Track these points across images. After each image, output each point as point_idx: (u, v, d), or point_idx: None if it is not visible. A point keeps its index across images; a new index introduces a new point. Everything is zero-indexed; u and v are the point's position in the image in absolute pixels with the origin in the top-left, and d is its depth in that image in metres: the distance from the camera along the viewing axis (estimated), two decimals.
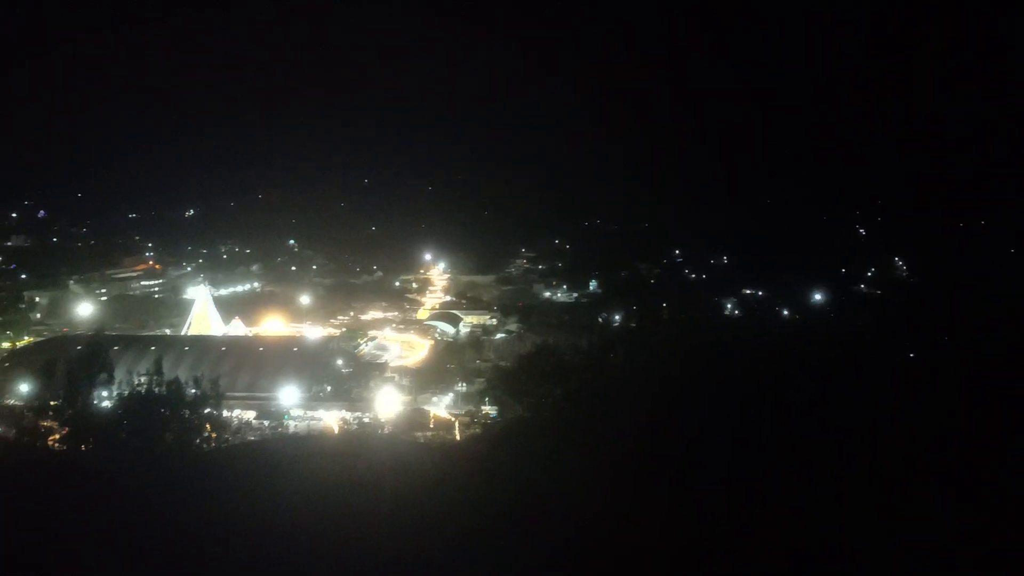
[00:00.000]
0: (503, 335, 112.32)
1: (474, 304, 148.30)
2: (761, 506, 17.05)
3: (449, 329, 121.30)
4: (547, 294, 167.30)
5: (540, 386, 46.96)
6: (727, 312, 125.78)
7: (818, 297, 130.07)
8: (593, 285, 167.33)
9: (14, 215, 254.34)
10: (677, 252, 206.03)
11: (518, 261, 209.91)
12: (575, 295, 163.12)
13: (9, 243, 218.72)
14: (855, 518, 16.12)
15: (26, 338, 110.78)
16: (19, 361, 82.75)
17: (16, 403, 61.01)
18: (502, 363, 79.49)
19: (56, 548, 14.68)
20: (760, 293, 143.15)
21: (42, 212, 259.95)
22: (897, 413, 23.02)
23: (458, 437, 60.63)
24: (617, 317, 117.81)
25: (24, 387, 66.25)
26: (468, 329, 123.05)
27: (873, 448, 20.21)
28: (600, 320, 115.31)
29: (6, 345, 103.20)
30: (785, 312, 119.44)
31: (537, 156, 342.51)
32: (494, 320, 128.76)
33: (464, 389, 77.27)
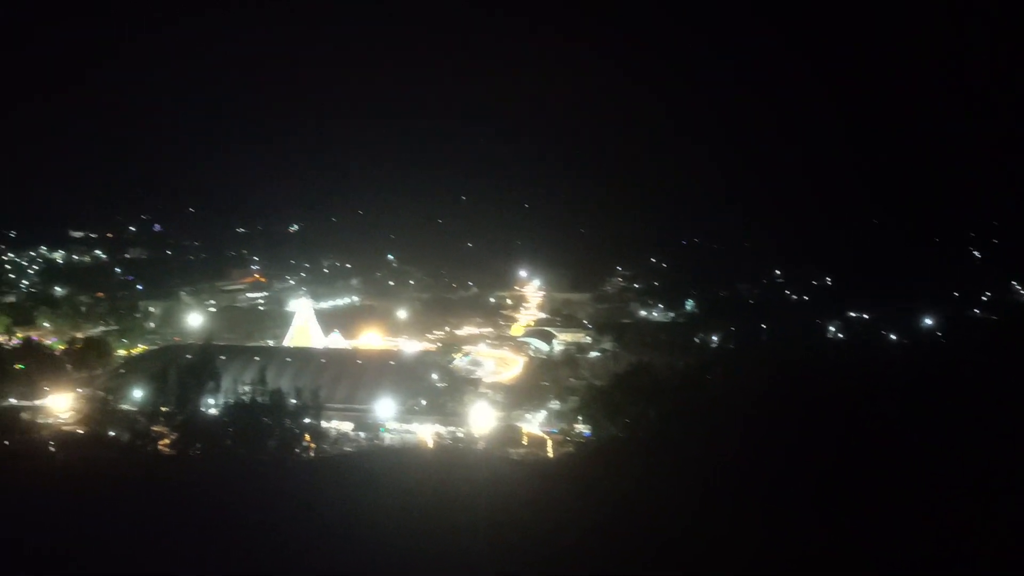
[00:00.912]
0: (598, 353, 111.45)
1: (569, 321, 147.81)
2: (860, 539, 16.30)
3: (543, 346, 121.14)
4: (643, 313, 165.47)
5: (635, 406, 46.36)
6: (830, 335, 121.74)
7: (928, 322, 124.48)
8: (690, 304, 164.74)
9: (132, 228, 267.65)
10: (778, 272, 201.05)
11: (614, 279, 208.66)
12: (671, 314, 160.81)
13: (127, 255, 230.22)
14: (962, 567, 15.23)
15: (140, 346, 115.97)
16: (133, 368, 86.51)
17: (130, 408, 63.89)
18: (596, 382, 78.79)
19: (164, 551, 15.13)
20: (866, 316, 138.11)
21: (157, 226, 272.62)
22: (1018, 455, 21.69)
23: (551, 455, 60.26)
24: (715, 338, 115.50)
25: (137, 393, 69.39)
26: (562, 346, 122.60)
27: (987, 492, 19.05)
28: (697, 340, 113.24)
29: (122, 352, 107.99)
30: (892, 336, 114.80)
31: (635, 173, 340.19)
32: (589, 338, 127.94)
33: (557, 407, 76.86)
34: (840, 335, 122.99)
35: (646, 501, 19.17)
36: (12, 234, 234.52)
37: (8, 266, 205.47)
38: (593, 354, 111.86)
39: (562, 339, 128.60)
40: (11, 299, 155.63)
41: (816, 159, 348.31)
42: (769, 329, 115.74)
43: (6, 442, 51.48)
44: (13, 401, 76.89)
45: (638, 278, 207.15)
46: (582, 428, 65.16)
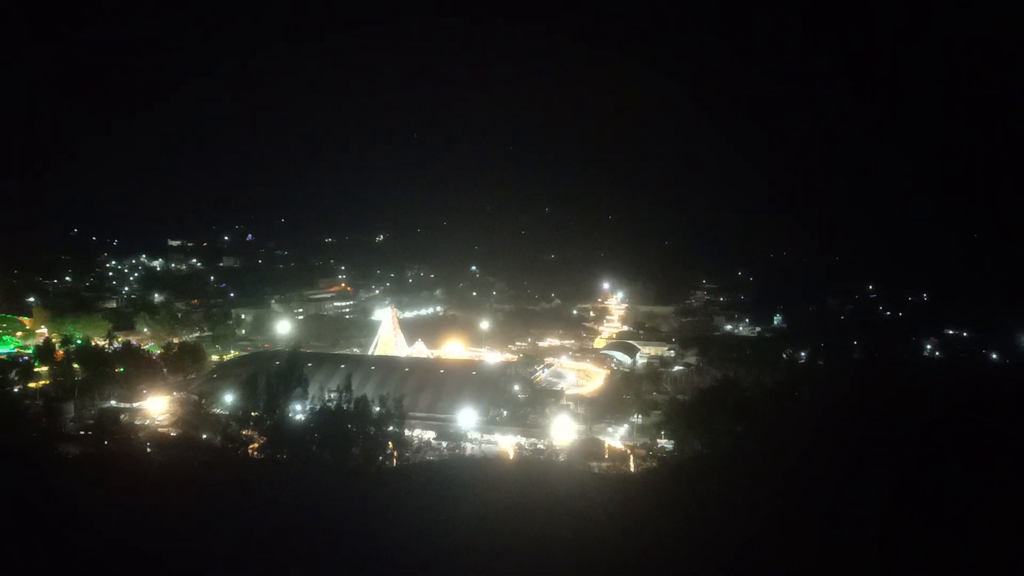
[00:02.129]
0: (681, 367, 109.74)
1: (652, 335, 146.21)
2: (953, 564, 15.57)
3: (626, 359, 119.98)
4: (728, 327, 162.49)
5: (720, 421, 45.42)
6: (926, 353, 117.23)
7: None
8: (778, 319, 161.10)
9: (226, 238, 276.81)
10: (871, 287, 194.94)
11: (699, 293, 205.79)
12: (758, 329, 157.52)
13: (221, 264, 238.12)
14: None
15: (232, 351, 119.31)
16: (225, 373, 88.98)
17: (221, 412, 65.77)
18: (680, 396, 77.56)
19: (250, 551, 15.42)
20: (964, 334, 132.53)
21: (250, 236, 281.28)
22: None
23: (632, 469, 59.49)
24: (803, 353, 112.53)
25: (229, 397, 71.41)
26: (645, 360, 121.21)
27: None
28: (785, 356, 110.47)
29: (215, 357, 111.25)
30: (994, 356, 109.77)
31: (721, 187, 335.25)
32: (672, 352, 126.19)
33: (640, 421, 75.87)
34: (937, 353, 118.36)
35: (730, 518, 18.69)
36: (114, 242, 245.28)
37: (111, 273, 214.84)
38: (677, 368, 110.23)
39: (645, 352, 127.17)
40: (113, 304, 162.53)
41: (915, 171, 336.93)
42: (861, 346, 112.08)
43: (106, 442, 53.74)
44: (114, 403, 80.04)
45: (724, 292, 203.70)
46: (665, 443, 64.19)
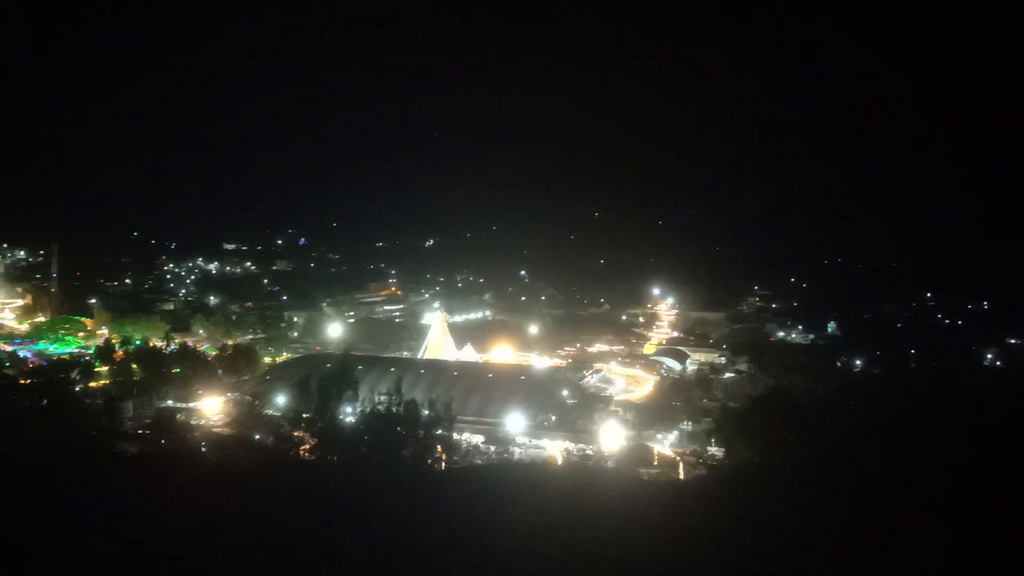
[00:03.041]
0: (732, 375, 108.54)
1: (702, 341, 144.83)
2: None
3: (676, 365, 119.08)
4: (781, 334, 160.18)
5: (772, 430, 44.73)
6: (987, 363, 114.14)
7: None
8: (832, 327, 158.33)
9: (279, 242, 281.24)
10: (928, 295, 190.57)
11: (750, 299, 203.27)
12: (811, 336, 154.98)
13: (275, 267, 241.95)
14: None
15: (285, 354, 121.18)
16: (278, 375, 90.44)
17: (274, 413, 66.84)
18: (731, 403, 76.74)
19: (300, 553, 15.63)
20: None
21: (303, 240, 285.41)
22: None
23: (682, 476, 58.99)
24: (858, 362, 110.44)
25: (281, 399, 72.55)
26: (695, 366, 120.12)
27: None
28: (839, 364, 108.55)
29: (268, 359, 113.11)
30: None
31: (775, 192, 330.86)
32: (723, 359, 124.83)
33: (690, 428, 75.25)
34: (998, 363, 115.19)
35: (782, 529, 18.43)
36: (172, 246, 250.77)
37: (168, 275, 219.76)
38: (728, 375, 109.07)
39: (695, 359, 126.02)
40: (170, 306, 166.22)
41: (976, 175, 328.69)
42: (919, 354, 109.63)
43: (163, 441, 54.96)
44: (170, 403, 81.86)
45: (776, 298, 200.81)
46: (715, 451, 63.56)
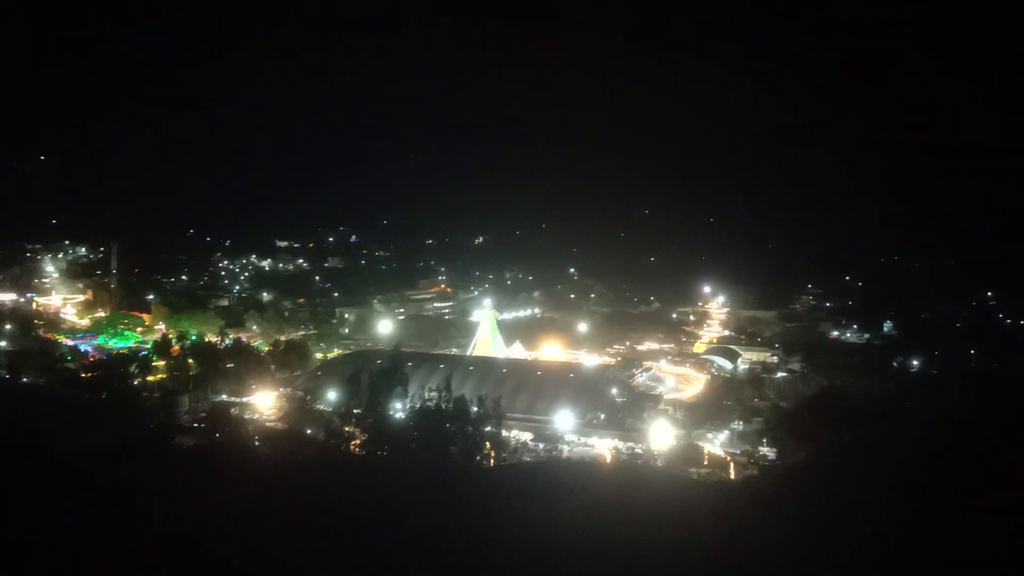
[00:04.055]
0: (784, 374, 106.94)
1: (754, 340, 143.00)
2: None
3: (727, 364, 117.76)
4: (835, 334, 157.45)
5: (826, 431, 44.01)
6: None
7: None
8: (888, 326, 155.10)
9: (331, 239, 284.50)
10: (989, 293, 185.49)
11: (803, 298, 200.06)
12: (866, 336, 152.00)
13: (326, 264, 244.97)
14: None
15: (336, 350, 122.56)
16: (329, 370, 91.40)
17: (325, 408, 67.61)
18: (783, 403, 75.67)
19: (351, 544, 15.78)
20: None
21: (354, 237, 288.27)
22: None
23: (733, 477, 58.30)
24: (915, 362, 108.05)
25: (332, 394, 73.37)
26: (747, 365, 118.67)
27: None
28: (896, 365, 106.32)
29: (319, 355, 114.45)
30: None
31: (830, 189, 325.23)
32: (775, 358, 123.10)
33: (740, 428, 74.34)
34: None
35: (834, 532, 18.11)
36: (227, 243, 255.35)
37: (223, 272, 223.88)
38: (780, 374, 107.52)
39: (747, 358, 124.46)
40: (225, 302, 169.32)
41: None
42: (978, 355, 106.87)
43: (218, 435, 56.01)
44: (225, 397, 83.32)
45: (830, 297, 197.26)
46: (767, 451, 62.73)
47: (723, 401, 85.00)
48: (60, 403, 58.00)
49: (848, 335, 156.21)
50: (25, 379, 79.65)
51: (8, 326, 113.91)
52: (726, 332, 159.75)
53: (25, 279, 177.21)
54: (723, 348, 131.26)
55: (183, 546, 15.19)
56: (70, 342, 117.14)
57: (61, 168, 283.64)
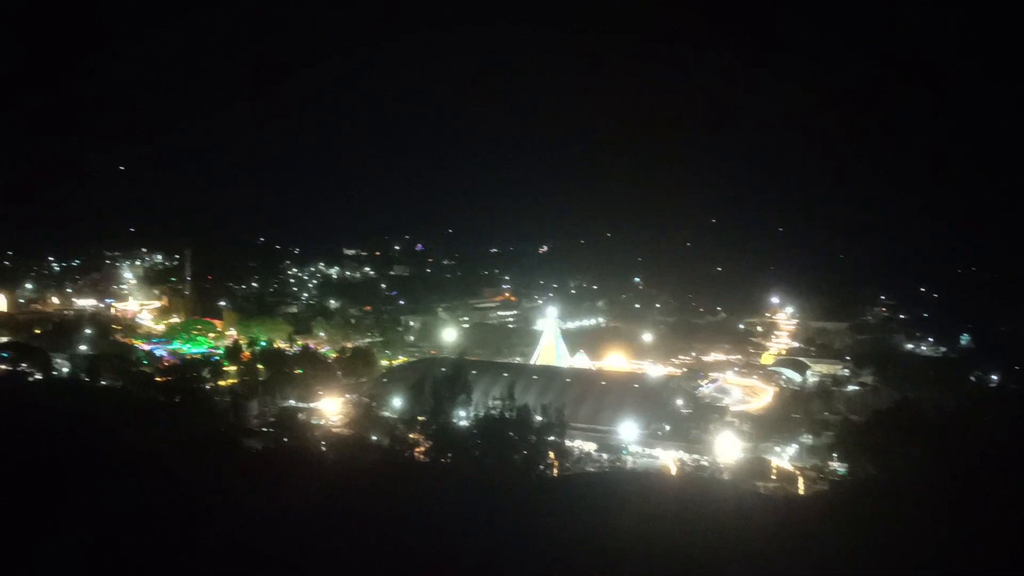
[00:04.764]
0: (856, 387, 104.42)
1: (824, 352, 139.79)
2: None
3: (795, 376, 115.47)
4: (909, 346, 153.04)
5: (899, 446, 42.82)
6: None
7: None
8: (965, 339, 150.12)
9: (397, 248, 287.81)
10: None
11: (876, 309, 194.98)
12: (943, 349, 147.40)
13: (392, 272, 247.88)
14: None
15: (401, 357, 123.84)
16: (394, 378, 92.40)
17: (390, 415, 68.32)
18: (854, 417, 73.99)
19: (412, 550, 15.86)
20: None
21: (419, 245, 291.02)
22: None
23: (802, 492, 57.04)
24: (994, 377, 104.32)
25: (397, 401, 74.11)
26: (816, 378, 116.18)
27: None
28: (973, 379, 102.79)
29: (385, 362, 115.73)
30: None
31: (903, 194, 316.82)
32: (846, 370, 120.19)
33: (810, 441, 72.78)
34: None
35: (907, 550, 17.57)
36: (296, 251, 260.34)
37: (292, 279, 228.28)
38: (851, 388, 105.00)
39: (816, 370, 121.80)
40: (293, 309, 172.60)
41: None
42: None
43: (286, 439, 57.03)
44: (292, 402, 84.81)
45: (904, 308, 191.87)
46: (837, 466, 61.31)
47: (792, 414, 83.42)
48: (136, 405, 59.80)
49: (923, 348, 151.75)
50: (103, 382, 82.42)
51: (88, 331, 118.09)
52: (795, 344, 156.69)
53: (104, 285, 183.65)
54: (792, 360, 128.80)
55: (249, 547, 15.47)
56: (146, 347, 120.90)
57: (140, 177, 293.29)
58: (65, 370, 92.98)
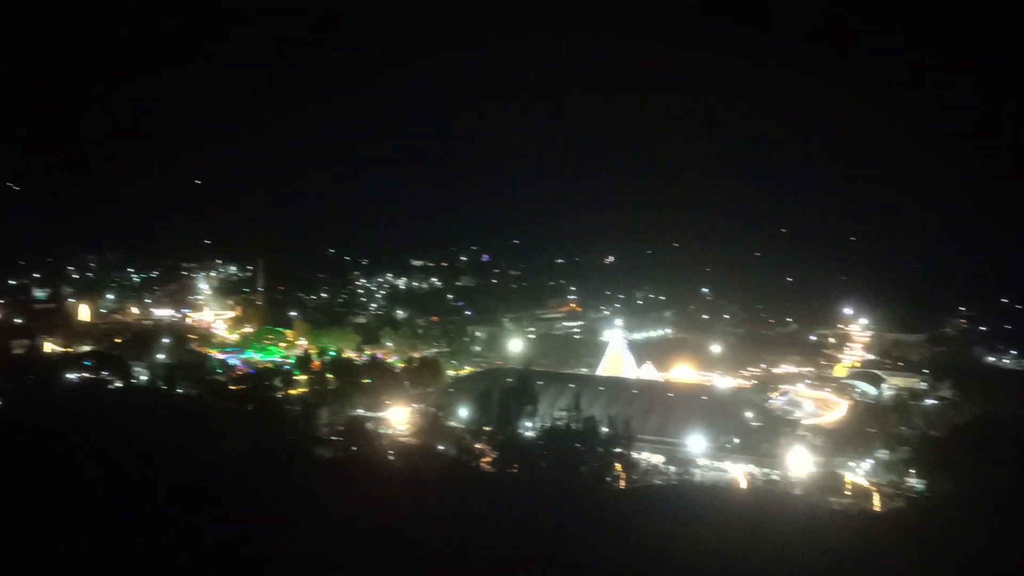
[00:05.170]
0: (934, 401, 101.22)
1: (900, 364, 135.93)
2: None
3: (870, 389, 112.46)
4: (990, 359, 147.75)
5: (980, 462, 41.39)
6: None
7: None
8: None
9: (463, 258, 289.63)
10: None
11: (955, 320, 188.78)
12: None
13: (458, 283, 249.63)
14: None
15: (467, 367, 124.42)
16: (460, 388, 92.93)
17: (456, 425, 68.71)
18: (932, 432, 71.77)
19: (481, 557, 15.91)
20: None
21: (485, 256, 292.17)
22: None
23: (877, 508, 55.47)
24: None
25: (463, 411, 74.51)
26: (892, 391, 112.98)
27: None
28: None
29: (451, 372, 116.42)
30: None
31: (987, 199, 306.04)
32: (923, 384, 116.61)
33: (886, 457, 70.74)
34: None
35: (989, 571, 16.99)
36: (364, 262, 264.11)
37: (360, 290, 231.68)
38: (929, 402, 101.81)
39: (892, 383, 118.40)
40: (362, 320, 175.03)
41: None
42: None
43: (354, 448, 57.81)
44: (361, 412, 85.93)
45: (985, 319, 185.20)
46: (915, 482, 59.52)
47: (866, 428, 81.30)
48: (210, 414, 61.35)
49: (1005, 361, 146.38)
50: (180, 390, 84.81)
51: (165, 340, 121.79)
52: (869, 356, 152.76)
53: (180, 296, 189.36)
54: (866, 372, 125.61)
55: (319, 550, 15.72)
56: (220, 356, 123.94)
57: (214, 190, 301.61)
58: (143, 378, 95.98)
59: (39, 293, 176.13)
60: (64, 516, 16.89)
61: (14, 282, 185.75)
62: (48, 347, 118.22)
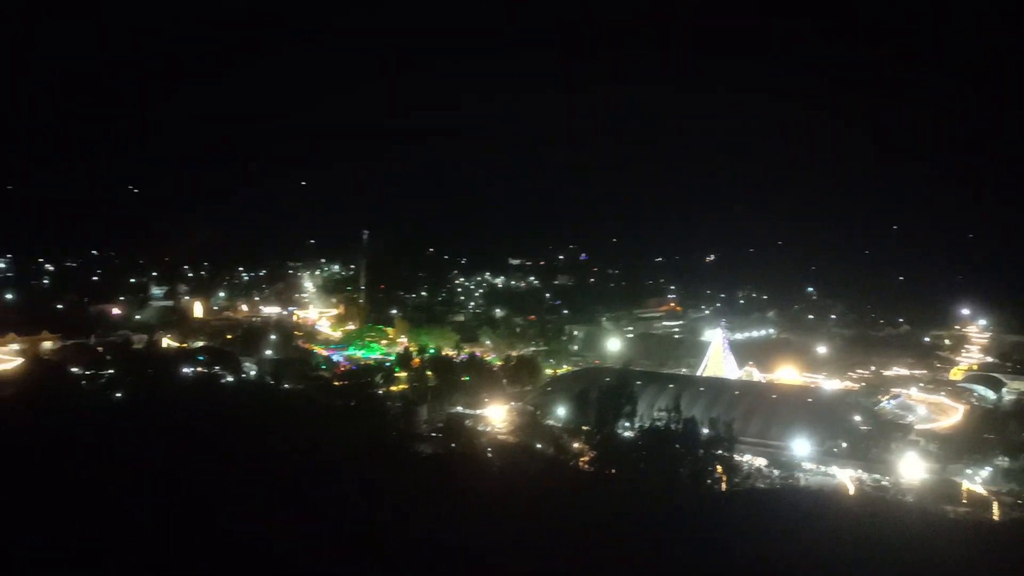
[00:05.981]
0: None
1: (1022, 368, 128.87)
2: None
3: (989, 394, 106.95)
4: None
5: None
6: None
7: None
8: None
9: (561, 257, 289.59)
10: None
11: None
12: None
13: (556, 282, 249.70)
14: None
15: (565, 366, 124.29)
16: (558, 387, 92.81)
17: (554, 424, 68.63)
18: None
19: (577, 555, 15.72)
20: None
21: (583, 255, 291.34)
22: None
23: (997, 518, 52.67)
24: None
25: (561, 410, 74.39)
26: (1013, 396, 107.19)
27: None
28: None
29: (549, 371, 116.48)
30: None
31: None
32: None
33: (1006, 464, 67.12)
34: None
35: None
36: (463, 261, 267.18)
37: (459, 289, 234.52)
38: None
39: (1013, 387, 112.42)
40: (460, 318, 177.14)
41: None
42: None
43: (453, 445, 58.48)
44: (459, 409, 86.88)
45: None
46: None
47: (985, 434, 77.30)
48: (316, 408, 63.07)
49: None
50: (286, 385, 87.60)
51: (273, 337, 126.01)
52: (988, 359, 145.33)
53: (287, 294, 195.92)
54: (985, 376, 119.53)
55: (421, 546, 15.84)
56: (324, 352, 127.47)
57: (319, 192, 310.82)
58: (253, 373, 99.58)
59: (156, 291, 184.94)
60: (178, 506, 17.53)
61: (133, 279, 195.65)
62: (164, 342, 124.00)
